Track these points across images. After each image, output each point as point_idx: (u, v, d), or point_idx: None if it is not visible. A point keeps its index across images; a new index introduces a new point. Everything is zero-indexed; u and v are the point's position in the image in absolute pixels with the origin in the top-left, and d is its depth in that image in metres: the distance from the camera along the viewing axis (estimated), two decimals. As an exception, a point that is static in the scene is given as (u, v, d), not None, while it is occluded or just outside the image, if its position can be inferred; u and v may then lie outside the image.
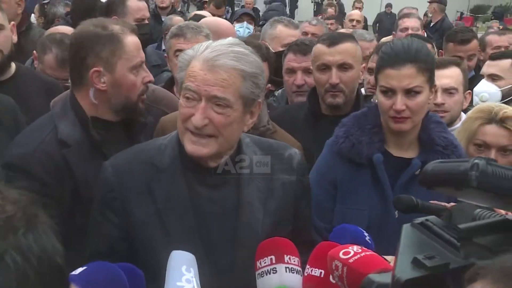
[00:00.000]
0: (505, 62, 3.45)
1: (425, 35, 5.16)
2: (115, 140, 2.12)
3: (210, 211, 1.77)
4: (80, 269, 1.36)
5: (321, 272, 1.55)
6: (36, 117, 2.27)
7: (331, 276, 1.50)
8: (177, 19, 4.87)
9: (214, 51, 1.69)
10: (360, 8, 11.85)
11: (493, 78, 3.46)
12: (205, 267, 1.63)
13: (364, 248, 1.42)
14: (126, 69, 2.10)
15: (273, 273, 1.57)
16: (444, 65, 2.87)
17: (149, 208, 1.75)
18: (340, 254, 1.37)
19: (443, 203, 2.04)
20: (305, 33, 4.33)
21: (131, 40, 2.11)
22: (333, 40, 2.78)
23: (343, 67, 2.74)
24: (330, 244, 1.59)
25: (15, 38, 2.95)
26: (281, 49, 3.58)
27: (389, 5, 13.99)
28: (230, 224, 1.78)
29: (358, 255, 1.35)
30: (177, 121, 1.76)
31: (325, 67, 2.75)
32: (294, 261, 1.60)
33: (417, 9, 7.64)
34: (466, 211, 1.68)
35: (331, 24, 6.66)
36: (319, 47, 2.79)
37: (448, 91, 2.88)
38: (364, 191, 2.21)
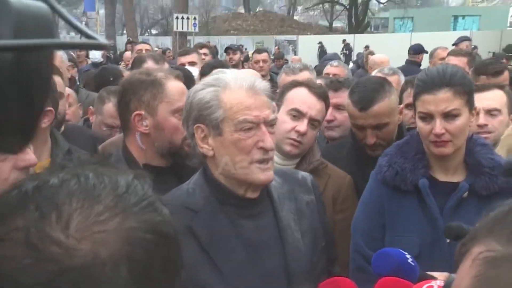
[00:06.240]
0: None
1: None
2: (167, 186, 2.17)
3: (257, 241, 1.78)
4: None
5: None
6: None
7: None
8: None
9: (245, 79, 1.75)
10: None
11: None
12: None
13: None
14: (168, 112, 2.15)
15: None
16: (486, 88, 2.90)
17: (194, 250, 1.72)
18: None
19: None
20: (327, 74, 4.64)
21: (174, 85, 2.18)
22: (363, 105, 2.64)
23: (378, 127, 2.68)
24: (390, 279, 1.58)
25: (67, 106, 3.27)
26: None
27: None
28: (277, 250, 1.80)
29: None
30: (234, 158, 1.73)
31: (361, 128, 2.71)
32: None
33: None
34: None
35: None
36: (352, 110, 2.70)
37: (490, 112, 2.88)
38: (412, 217, 2.20)
